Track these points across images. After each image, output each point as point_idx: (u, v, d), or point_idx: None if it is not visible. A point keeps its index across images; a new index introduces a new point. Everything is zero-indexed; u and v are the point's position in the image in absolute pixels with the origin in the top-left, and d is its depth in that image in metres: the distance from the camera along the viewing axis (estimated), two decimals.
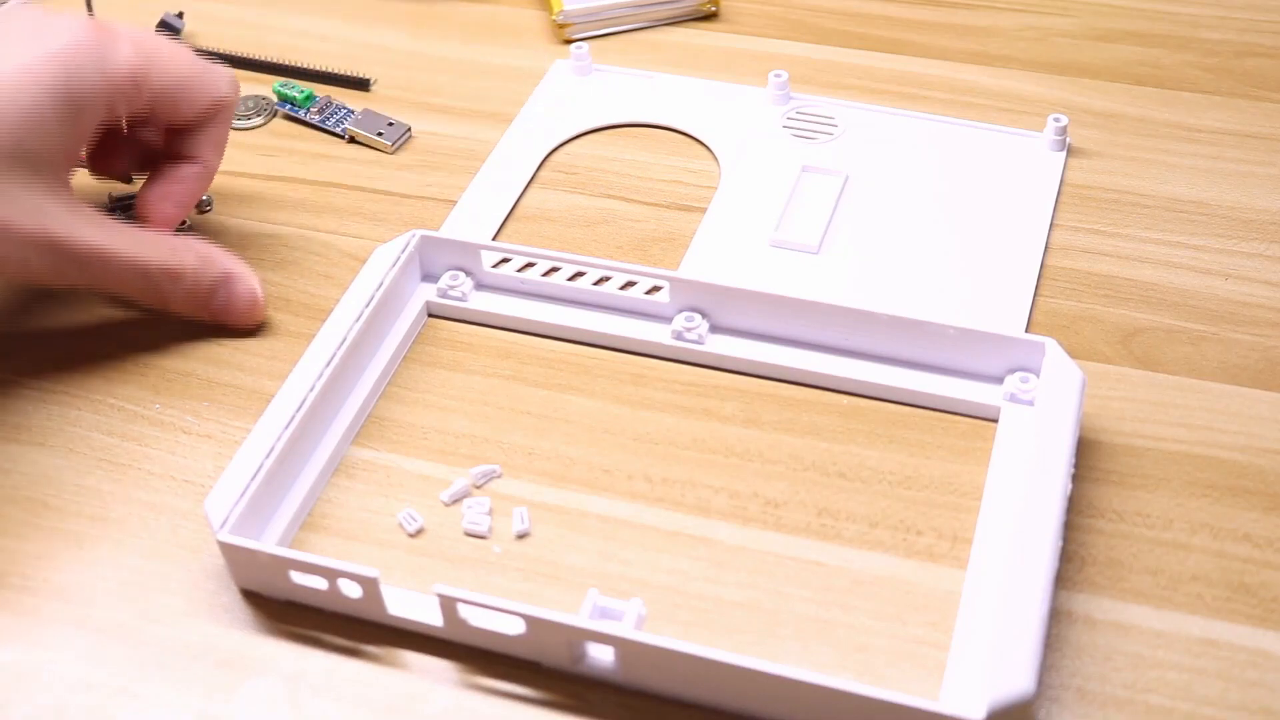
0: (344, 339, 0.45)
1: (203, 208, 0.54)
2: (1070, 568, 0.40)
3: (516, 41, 0.63)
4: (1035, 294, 0.49)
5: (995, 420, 0.44)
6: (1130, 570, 0.40)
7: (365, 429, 0.45)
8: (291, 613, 0.40)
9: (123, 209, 0.54)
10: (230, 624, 0.40)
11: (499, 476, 0.43)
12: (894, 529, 0.42)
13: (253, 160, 0.57)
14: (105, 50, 0.44)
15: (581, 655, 0.38)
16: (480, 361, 0.47)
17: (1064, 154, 0.55)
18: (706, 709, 0.38)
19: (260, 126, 0.59)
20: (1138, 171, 0.54)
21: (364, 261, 0.48)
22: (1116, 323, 0.48)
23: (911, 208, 0.53)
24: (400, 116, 0.58)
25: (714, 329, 0.47)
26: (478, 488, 0.43)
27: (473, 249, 0.48)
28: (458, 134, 0.58)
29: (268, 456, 0.41)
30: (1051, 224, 0.52)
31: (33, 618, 0.40)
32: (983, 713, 0.35)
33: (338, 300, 0.47)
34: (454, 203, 0.54)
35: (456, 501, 0.43)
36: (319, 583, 0.39)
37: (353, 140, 0.58)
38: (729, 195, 0.54)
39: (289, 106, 0.59)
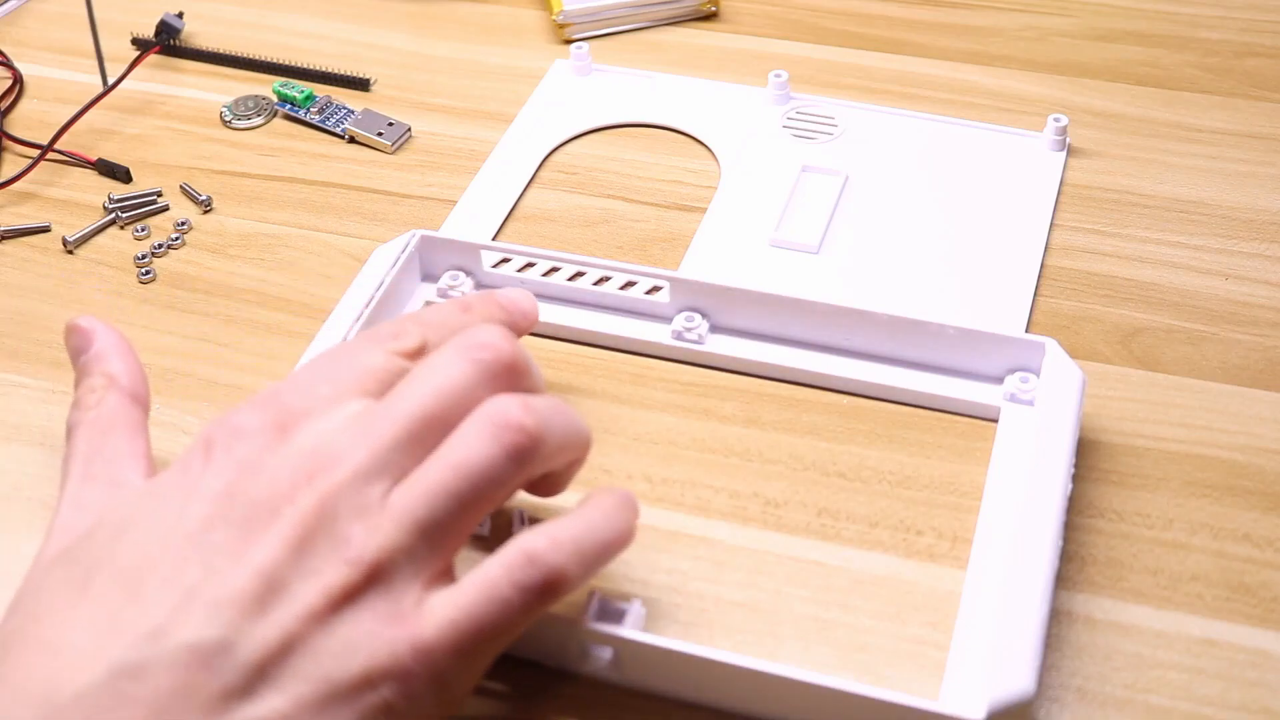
0: (344, 339, 0.45)
1: (204, 208, 0.54)
2: (1070, 568, 0.40)
3: (516, 41, 0.63)
4: (1035, 294, 0.49)
5: (995, 420, 0.44)
6: (1130, 570, 0.40)
7: None
8: None
9: (122, 210, 0.54)
10: None
11: None
12: (894, 529, 0.42)
13: (253, 160, 0.57)
14: None
15: (581, 655, 0.38)
16: None
17: (1064, 154, 0.55)
18: (706, 709, 0.38)
19: (260, 126, 0.59)
20: (1138, 171, 0.54)
21: (364, 261, 0.48)
22: (1116, 323, 0.48)
23: (911, 208, 0.53)
24: (400, 116, 0.58)
25: (714, 329, 0.47)
26: None
27: (473, 249, 0.48)
28: (458, 134, 0.58)
29: None
30: (1051, 224, 0.52)
31: None
32: (983, 713, 0.35)
33: (338, 300, 0.47)
34: (454, 203, 0.54)
35: None
36: None
37: (353, 140, 0.58)
38: (729, 195, 0.54)
39: (289, 106, 0.59)
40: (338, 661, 0.31)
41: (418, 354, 0.37)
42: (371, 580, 0.32)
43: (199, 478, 0.34)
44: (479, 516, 0.34)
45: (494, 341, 0.36)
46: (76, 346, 0.41)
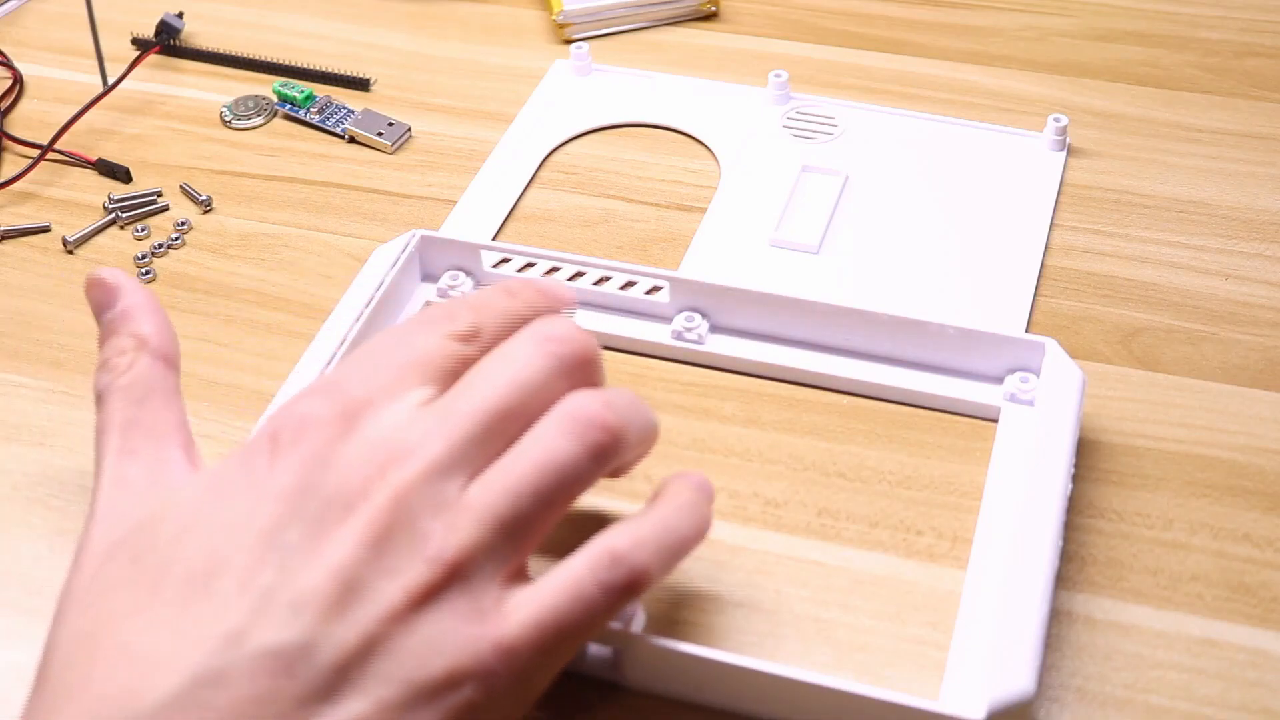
0: (344, 339, 0.45)
1: (204, 208, 0.54)
2: (1070, 568, 0.40)
3: (516, 41, 0.63)
4: (1035, 294, 0.49)
5: (995, 420, 0.44)
6: (1130, 570, 0.40)
7: None
8: None
9: (122, 210, 0.54)
10: None
11: None
12: (894, 529, 0.42)
13: (253, 160, 0.57)
14: None
15: (582, 655, 0.38)
16: None
17: (1064, 154, 0.55)
18: (706, 709, 0.38)
19: (260, 126, 0.59)
20: (1138, 171, 0.54)
21: (364, 261, 0.48)
22: (1116, 323, 0.48)
23: (911, 208, 0.53)
24: (400, 116, 0.58)
25: (714, 329, 0.47)
26: None
27: (473, 249, 0.48)
28: (458, 134, 0.58)
29: None
30: (1051, 224, 0.52)
31: (34, 618, 0.40)
32: (983, 713, 0.35)
33: (338, 300, 0.47)
34: (454, 203, 0.54)
35: None
36: None
37: (353, 140, 0.58)
38: (729, 195, 0.54)
39: (289, 106, 0.59)
40: (419, 662, 0.31)
41: (471, 337, 0.36)
42: (452, 578, 0.32)
43: (268, 473, 0.33)
44: (559, 514, 0.34)
45: (569, 334, 0.36)
46: (100, 302, 0.39)
